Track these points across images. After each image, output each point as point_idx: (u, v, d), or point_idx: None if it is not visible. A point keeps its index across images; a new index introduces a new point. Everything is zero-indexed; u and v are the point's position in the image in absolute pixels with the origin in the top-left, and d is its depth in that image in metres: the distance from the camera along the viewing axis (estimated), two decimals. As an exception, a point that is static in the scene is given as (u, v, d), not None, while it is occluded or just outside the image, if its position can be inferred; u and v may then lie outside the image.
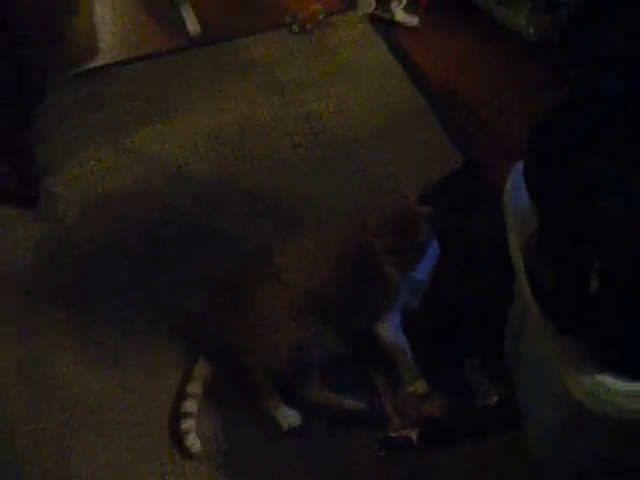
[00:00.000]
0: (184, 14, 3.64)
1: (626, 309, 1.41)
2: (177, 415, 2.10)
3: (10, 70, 2.81)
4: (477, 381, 2.10)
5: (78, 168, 2.89)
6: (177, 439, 2.07)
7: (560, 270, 1.51)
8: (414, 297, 2.17)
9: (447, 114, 2.98)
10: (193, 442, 2.04)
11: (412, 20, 3.44)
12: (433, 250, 2.10)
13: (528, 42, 3.15)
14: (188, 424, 2.06)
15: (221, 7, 3.70)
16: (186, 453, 2.04)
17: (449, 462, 1.98)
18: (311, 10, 3.48)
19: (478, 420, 2.05)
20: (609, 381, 1.44)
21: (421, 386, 2.09)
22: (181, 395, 2.14)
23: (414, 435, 2.02)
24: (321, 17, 3.48)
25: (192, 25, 3.58)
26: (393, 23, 3.46)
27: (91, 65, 3.44)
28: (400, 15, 3.46)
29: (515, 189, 1.77)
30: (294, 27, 3.46)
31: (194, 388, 2.13)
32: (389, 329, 2.13)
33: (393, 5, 3.47)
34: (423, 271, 2.11)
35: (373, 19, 3.49)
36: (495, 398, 2.07)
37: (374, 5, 3.50)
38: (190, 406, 2.09)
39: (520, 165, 1.74)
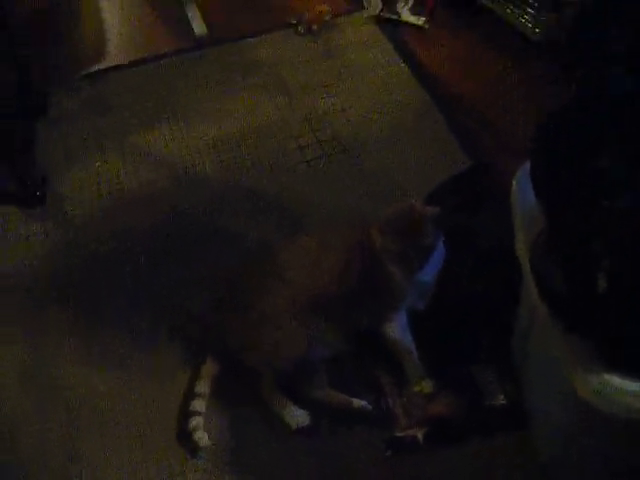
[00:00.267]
0: (190, 15, 3.65)
1: (633, 308, 1.41)
2: (185, 414, 2.10)
3: (10, 71, 2.81)
4: (484, 380, 2.10)
5: (84, 170, 2.90)
6: (185, 437, 2.07)
7: (567, 270, 1.51)
8: (421, 298, 2.17)
9: (453, 114, 2.98)
10: (201, 436, 2.04)
11: (418, 21, 3.44)
12: (440, 252, 2.10)
13: (534, 42, 3.15)
14: (196, 421, 2.06)
15: (227, 8, 3.71)
16: (194, 447, 2.04)
17: (456, 461, 1.98)
18: (317, 11, 3.49)
19: (485, 419, 2.04)
20: (616, 380, 1.44)
21: (427, 385, 2.09)
22: (189, 395, 2.14)
23: (420, 435, 2.02)
24: (327, 18, 3.49)
25: (198, 26, 3.59)
26: (399, 24, 3.47)
27: (97, 67, 3.44)
28: (406, 16, 3.47)
29: (522, 189, 1.77)
30: (300, 28, 3.47)
31: (202, 388, 2.13)
32: (395, 329, 2.13)
33: (399, 6, 3.49)
34: (430, 273, 2.11)
35: (379, 20, 3.50)
36: (502, 397, 2.06)
37: (380, 6, 3.51)
38: (199, 405, 2.09)
39: (527, 165, 1.74)
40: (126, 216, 2.71)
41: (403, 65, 3.23)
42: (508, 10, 3.26)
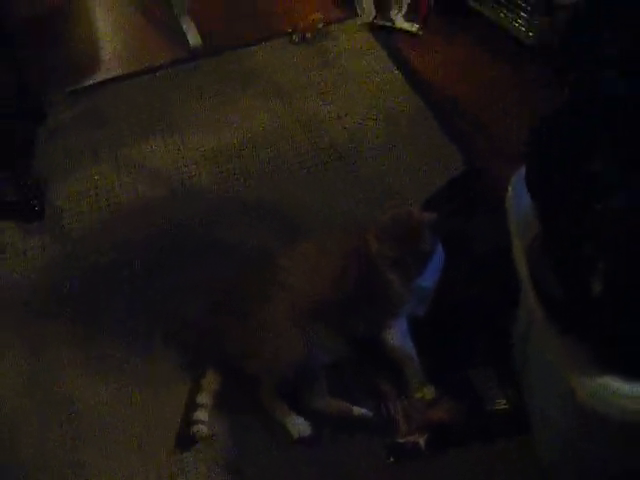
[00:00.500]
0: (184, 26, 3.65)
1: (629, 310, 1.41)
2: (188, 422, 2.10)
3: (8, 73, 2.81)
4: (485, 385, 2.10)
5: (81, 182, 2.90)
6: (185, 444, 2.08)
7: (562, 273, 1.51)
8: (421, 304, 2.17)
9: (448, 120, 2.99)
10: (202, 429, 2.05)
11: (412, 27, 3.45)
12: (438, 257, 2.10)
13: (528, 45, 3.16)
14: (199, 427, 2.07)
15: (221, 18, 3.72)
16: (195, 439, 2.06)
17: (457, 467, 1.97)
18: (311, 19, 3.50)
19: (486, 425, 2.04)
20: (613, 383, 1.44)
21: (429, 391, 2.09)
22: (191, 406, 2.13)
23: (422, 441, 2.01)
24: (321, 26, 3.50)
25: (192, 37, 3.59)
26: (393, 31, 3.48)
27: (92, 80, 3.45)
28: (400, 22, 3.48)
29: (517, 193, 1.78)
30: (294, 37, 3.48)
31: (204, 399, 2.12)
32: (395, 335, 2.13)
33: (393, 13, 3.50)
34: (428, 279, 2.10)
35: (373, 27, 3.51)
36: (504, 402, 2.06)
37: (374, 13, 3.52)
38: (202, 415, 2.09)
39: (522, 170, 1.74)
40: (123, 228, 2.71)
41: (397, 72, 3.24)
42: (501, 14, 3.27)
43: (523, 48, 3.17)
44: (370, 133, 2.97)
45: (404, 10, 3.48)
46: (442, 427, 2.04)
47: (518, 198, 1.76)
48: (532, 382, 1.95)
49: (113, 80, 3.42)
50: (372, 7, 3.52)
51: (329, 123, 3.04)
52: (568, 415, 1.67)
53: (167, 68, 3.44)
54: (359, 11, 3.57)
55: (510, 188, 1.81)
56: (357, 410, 2.08)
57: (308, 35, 3.47)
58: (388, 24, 3.49)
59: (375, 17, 3.52)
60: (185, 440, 2.08)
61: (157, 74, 3.41)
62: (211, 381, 2.15)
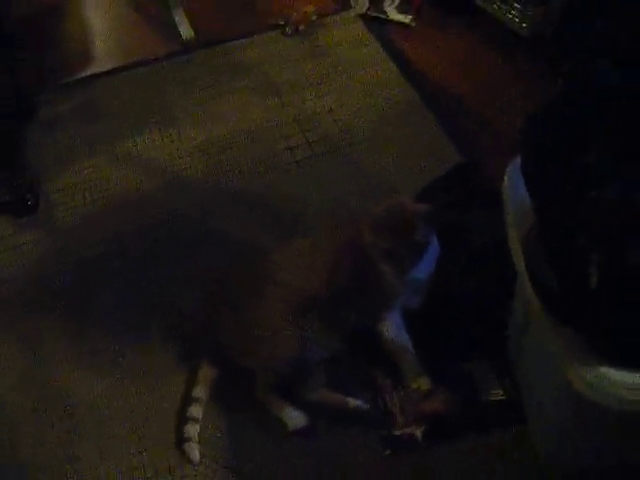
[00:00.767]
0: (177, 19, 3.65)
1: (624, 301, 1.41)
2: (182, 420, 2.10)
3: (5, 73, 2.80)
4: (481, 376, 2.10)
5: (75, 175, 2.90)
6: (181, 441, 2.07)
7: (558, 264, 1.51)
8: (415, 296, 2.16)
9: (442, 111, 2.98)
10: (192, 450, 2.04)
11: (405, 19, 3.44)
12: (433, 249, 2.10)
13: (521, 36, 3.15)
14: (192, 430, 2.06)
15: (214, 11, 3.71)
16: (185, 458, 2.05)
17: (454, 458, 1.98)
18: (304, 12, 3.49)
19: (482, 415, 2.05)
20: (610, 373, 1.44)
21: (424, 383, 2.09)
22: (186, 399, 2.13)
23: (418, 432, 2.02)
24: (314, 18, 3.50)
25: (185, 30, 3.59)
26: (386, 22, 3.48)
27: (85, 73, 3.45)
28: (393, 14, 3.47)
29: (513, 184, 1.77)
30: (287, 29, 3.47)
31: (199, 392, 2.13)
32: (391, 327, 2.13)
33: (386, 4, 3.50)
34: (423, 270, 2.10)
35: (366, 19, 3.50)
36: (500, 393, 2.07)
37: (367, 5, 3.51)
38: (195, 411, 2.09)
39: (518, 160, 1.74)
40: (117, 221, 2.71)
41: (391, 63, 3.24)
42: (495, 6, 3.26)
43: (517, 39, 3.16)
44: (363, 125, 2.97)
45: (397, 1, 3.49)
46: (438, 418, 2.04)
47: (514, 188, 1.75)
48: (528, 373, 1.96)
49: (107, 73, 3.41)
50: (365, -1, 3.52)
51: (322, 115, 3.03)
52: (565, 406, 1.68)
53: (160, 61, 3.44)
54: (352, 3, 3.56)
55: (506, 178, 1.80)
56: (353, 402, 2.09)
57: (301, 27, 3.46)
58: (381, 16, 3.49)
59: (368, 9, 3.51)
60: (180, 437, 2.08)
61: (150, 67, 3.41)
62: (207, 373, 2.16)
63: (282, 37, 3.47)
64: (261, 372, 2.10)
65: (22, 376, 2.29)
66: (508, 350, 2.09)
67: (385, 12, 3.48)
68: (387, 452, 2.01)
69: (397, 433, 2.03)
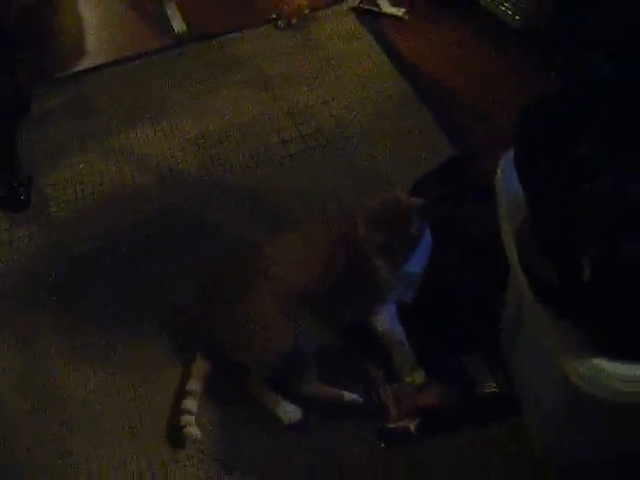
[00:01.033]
0: (169, 13, 3.64)
1: (619, 292, 1.41)
2: (177, 412, 2.09)
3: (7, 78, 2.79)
4: (475, 369, 2.10)
5: (68, 171, 2.90)
6: (176, 433, 2.07)
7: (552, 256, 1.51)
8: (409, 290, 2.16)
9: (435, 104, 2.98)
10: (192, 430, 2.04)
11: (398, 11, 3.44)
12: (426, 243, 2.10)
13: (514, 29, 3.15)
14: (187, 418, 2.06)
15: (206, 5, 3.71)
16: (185, 439, 2.05)
17: (448, 451, 1.98)
18: (296, 5, 3.48)
19: (477, 408, 2.05)
20: (604, 365, 1.44)
21: (419, 376, 2.09)
22: (181, 393, 2.13)
23: (413, 426, 2.02)
24: (307, 12, 3.49)
25: (177, 24, 3.58)
26: (379, 15, 3.47)
27: (77, 68, 3.45)
28: (386, 7, 3.47)
29: (506, 177, 1.77)
30: (280, 22, 3.47)
31: (194, 386, 2.12)
32: (384, 321, 2.13)
33: (379, -3, 3.49)
34: (417, 264, 2.10)
35: (359, 12, 3.50)
36: (494, 386, 2.07)
37: (360, -2, 3.51)
38: (190, 404, 2.09)
39: (511, 152, 1.74)
40: (110, 215, 2.71)
41: (384, 56, 3.24)
42: (488, -2, 3.26)
43: (510, 31, 3.16)
44: (357, 118, 2.96)
45: (390, -6, 3.49)
46: (432, 412, 2.04)
47: (507, 181, 1.75)
48: (521, 366, 1.96)
49: (99, 68, 3.42)
50: (358, -8, 3.52)
51: (315, 109, 3.03)
52: (559, 398, 1.68)
53: (153, 55, 3.44)
54: (345, -4, 3.57)
55: (499, 171, 1.80)
56: (347, 396, 2.08)
57: (294, 21, 3.46)
58: (374, 9, 3.49)
59: (361, 2, 3.52)
60: (175, 429, 2.08)
61: (142, 61, 3.41)
62: (201, 367, 2.15)
63: (275, 31, 3.47)
64: (255, 366, 2.10)
65: (14, 371, 2.29)
66: (501, 343, 2.09)
67: (378, 5, 3.48)
68: (381, 445, 2.01)
69: (391, 426, 2.03)
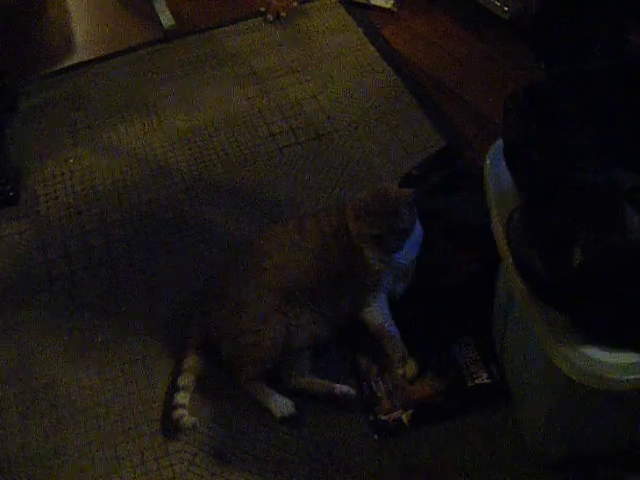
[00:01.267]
0: (157, 7, 3.63)
1: (609, 280, 1.41)
2: (169, 407, 2.09)
3: None
4: (467, 360, 2.11)
5: (58, 166, 2.89)
6: (169, 429, 2.07)
7: (542, 245, 1.51)
8: (400, 281, 2.17)
9: (425, 96, 2.99)
10: (186, 419, 2.04)
11: (387, 3, 3.44)
12: (417, 234, 2.10)
13: (504, 20, 3.14)
14: (180, 412, 2.06)
15: (194, -2, 3.70)
16: (180, 431, 2.05)
17: (441, 442, 1.98)
18: (285, -3, 3.48)
19: (469, 400, 2.05)
20: (594, 353, 1.44)
21: (411, 368, 2.10)
22: (173, 388, 2.13)
23: (405, 417, 2.02)
24: (295, 4, 3.49)
25: (166, 18, 3.57)
26: (368, 7, 3.47)
27: (67, 63, 3.43)
28: (375, -1, 3.47)
29: (495, 166, 1.77)
30: (269, 16, 3.46)
31: (185, 380, 2.12)
32: (376, 313, 2.13)
33: (367, -11, 3.48)
34: (407, 256, 2.10)
35: (348, 4, 3.49)
36: (485, 376, 2.07)
37: (349, -10, 3.51)
38: (182, 398, 2.08)
39: (499, 142, 1.74)
40: (100, 211, 2.70)
41: (373, 48, 3.24)
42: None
43: (499, 22, 3.16)
44: (347, 111, 2.96)
45: (379, -14, 3.48)
46: (425, 403, 2.05)
47: (496, 171, 1.75)
48: (513, 355, 1.96)
49: (88, 63, 3.40)
50: (346, -16, 3.51)
51: (305, 102, 3.03)
52: (550, 387, 1.68)
53: (141, 50, 3.42)
54: (334, -12, 3.56)
55: (488, 161, 1.80)
56: (340, 388, 2.08)
57: (282, 14, 3.45)
58: (363, 1, 3.48)
59: (350, -6, 3.51)
60: (169, 424, 2.08)
61: (131, 56, 3.40)
62: (193, 362, 2.15)
63: (264, 24, 3.47)
64: (248, 359, 2.09)
65: (9, 369, 2.28)
66: (493, 333, 2.09)
67: (367, -3, 3.48)
68: (374, 437, 2.01)
69: (384, 418, 2.04)
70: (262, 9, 3.50)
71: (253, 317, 2.07)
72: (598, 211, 1.43)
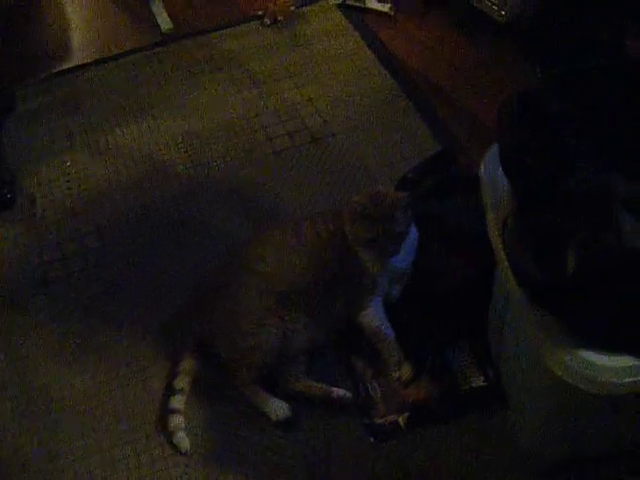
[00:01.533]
0: (155, 10, 3.63)
1: (603, 283, 1.41)
2: (165, 411, 2.09)
3: None
4: (463, 363, 2.11)
5: (54, 169, 2.89)
6: (167, 435, 2.06)
7: (537, 249, 1.51)
8: (396, 285, 2.17)
9: (421, 100, 2.99)
10: (181, 440, 2.03)
11: (383, 7, 3.44)
12: (413, 237, 2.10)
13: (500, 24, 3.14)
14: (176, 421, 2.06)
15: (192, 2, 3.70)
16: (177, 450, 2.04)
17: (437, 445, 1.98)
18: (282, 1, 3.48)
19: (465, 403, 2.05)
20: (590, 357, 1.44)
21: (406, 371, 2.10)
22: (169, 391, 2.13)
23: (401, 420, 2.02)
24: (292, 8, 3.49)
25: (163, 21, 3.58)
26: (365, 11, 3.47)
27: (64, 66, 3.44)
28: (372, 3, 3.47)
29: (490, 171, 1.77)
30: (266, 19, 3.47)
31: (181, 383, 2.12)
32: (372, 316, 2.13)
33: (364, -7, 3.49)
34: (404, 259, 2.10)
35: (345, 8, 3.49)
36: (482, 379, 2.07)
37: (345, -6, 3.51)
38: (177, 401, 2.08)
39: (495, 147, 1.74)
40: (96, 213, 2.70)
41: (370, 52, 3.24)
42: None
43: (495, 26, 3.16)
44: (343, 115, 2.97)
45: (375, -10, 3.49)
46: (421, 406, 2.05)
47: (492, 175, 1.75)
48: (508, 358, 1.96)
49: (85, 66, 3.40)
50: (344, -12, 3.52)
51: (301, 106, 3.03)
52: (546, 391, 1.69)
53: (139, 53, 3.43)
54: (331, -9, 3.56)
55: (483, 165, 1.80)
56: (336, 392, 2.08)
57: (280, 18, 3.46)
58: (360, 5, 3.48)
59: (347, -3, 3.52)
60: (164, 428, 2.07)
61: (129, 59, 3.40)
62: (189, 365, 2.15)
63: (261, 28, 3.47)
64: (244, 363, 2.09)
65: (3, 372, 2.28)
66: (489, 336, 2.09)
67: (363, 1, 3.48)
68: (370, 440, 2.01)
69: (380, 421, 2.04)
70: (259, 13, 3.50)
71: (249, 321, 2.07)
72: (593, 216, 1.43)
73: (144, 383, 2.20)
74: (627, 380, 1.43)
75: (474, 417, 2.02)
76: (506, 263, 1.61)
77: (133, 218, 2.66)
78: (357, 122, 2.92)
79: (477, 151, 1.93)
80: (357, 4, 3.48)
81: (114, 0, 3.84)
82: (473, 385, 2.07)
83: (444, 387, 2.08)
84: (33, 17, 3.74)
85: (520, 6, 3.04)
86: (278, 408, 2.06)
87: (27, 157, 2.95)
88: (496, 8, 3.14)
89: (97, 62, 3.41)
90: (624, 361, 1.44)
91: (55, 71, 3.40)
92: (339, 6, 3.51)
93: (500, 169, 1.70)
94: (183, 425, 2.06)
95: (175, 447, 2.04)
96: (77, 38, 3.64)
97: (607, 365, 1.44)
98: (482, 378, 2.08)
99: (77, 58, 3.49)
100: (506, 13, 3.11)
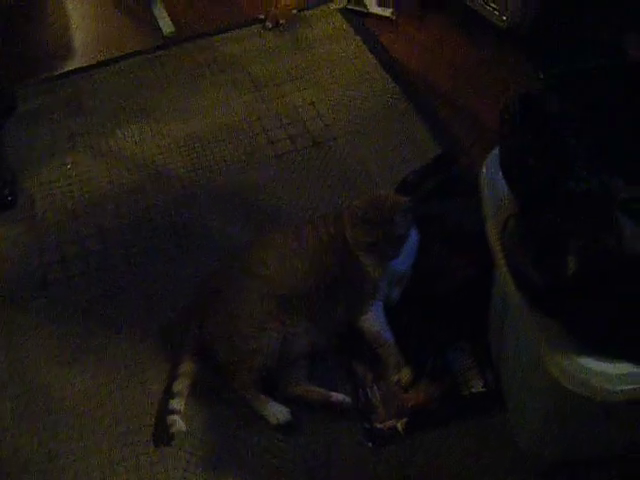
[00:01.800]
0: (157, 13, 3.64)
1: (603, 289, 1.41)
2: (164, 413, 2.09)
3: None
4: (462, 367, 2.10)
5: (55, 171, 2.89)
6: (164, 435, 2.06)
7: (537, 253, 1.51)
8: (395, 287, 2.16)
9: (423, 103, 2.99)
10: (179, 426, 2.04)
11: (385, 12, 3.44)
12: (413, 241, 2.10)
13: (501, 28, 3.14)
14: (174, 418, 2.06)
15: (194, 5, 3.71)
16: (173, 437, 2.05)
17: (436, 449, 1.98)
18: (284, 5, 3.48)
19: (464, 407, 2.05)
20: (589, 363, 1.44)
21: (406, 375, 2.09)
22: (167, 394, 2.13)
23: (400, 425, 2.02)
24: (294, 12, 3.50)
25: (165, 24, 3.59)
26: (367, 15, 3.48)
27: (66, 68, 3.44)
28: (373, 7, 3.47)
29: (491, 174, 1.77)
30: (268, 23, 3.47)
31: (180, 386, 2.11)
32: (372, 320, 2.13)
33: (366, -3, 3.49)
34: (404, 263, 2.10)
35: (347, 12, 3.50)
36: (481, 384, 2.07)
37: (347, -2, 3.51)
38: (177, 404, 2.08)
39: (496, 150, 1.74)
40: (97, 216, 2.70)
41: (371, 56, 3.24)
42: (474, -2, 3.26)
43: (497, 31, 3.16)
44: (345, 119, 2.97)
45: (377, -6, 3.49)
46: (420, 410, 2.05)
47: (492, 179, 1.76)
48: (509, 358, 1.96)
49: (87, 68, 3.41)
50: (345, -8, 3.52)
51: (303, 109, 3.03)
52: (544, 396, 1.68)
53: (140, 56, 3.43)
54: (332, -4, 3.57)
55: (484, 169, 1.80)
56: (335, 396, 2.08)
57: (281, 21, 3.46)
58: (361, 9, 3.49)
59: (348, 2, 3.51)
60: (163, 429, 2.07)
61: (131, 62, 3.40)
62: (189, 367, 2.15)
63: (262, 31, 3.47)
64: (244, 366, 2.09)
65: (2, 372, 2.28)
66: (489, 339, 2.09)
67: (365, 5, 3.48)
68: (369, 445, 2.01)
69: (379, 426, 2.03)
70: (261, 16, 3.50)
71: (249, 324, 2.07)
72: (593, 219, 1.43)
73: (143, 385, 2.20)
74: (624, 387, 1.43)
75: (473, 421, 2.01)
76: (505, 266, 1.61)
77: (134, 221, 2.66)
78: (358, 126, 2.92)
79: (477, 153, 1.93)
80: (359, 8, 3.48)
81: (116, 3, 3.84)
82: (473, 390, 2.07)
83: (443, 391, 2.07)
84: (34, 17, 3.74)
85: (521, 10, 3.04)
86: (278, 412, 2.06)
87: (28, 158, 2.95)
88: (497, 13, 3.14)
89: (99, 64, 3.41)
90: (620, 368, 1.44)
91: (57, 73, 3.41)
92: (341, 10, 3.51)
93: (500, 172, 1.70)
94: (184, 429, 2.05)
95: (172, 432, 2.04)
96: (79, 40, 3.65)
97: (605, 371, 1.43)
98: (482, 383, 2.07)
99: (79, 60, 3.50)
100: (507, 18, 3.11)
